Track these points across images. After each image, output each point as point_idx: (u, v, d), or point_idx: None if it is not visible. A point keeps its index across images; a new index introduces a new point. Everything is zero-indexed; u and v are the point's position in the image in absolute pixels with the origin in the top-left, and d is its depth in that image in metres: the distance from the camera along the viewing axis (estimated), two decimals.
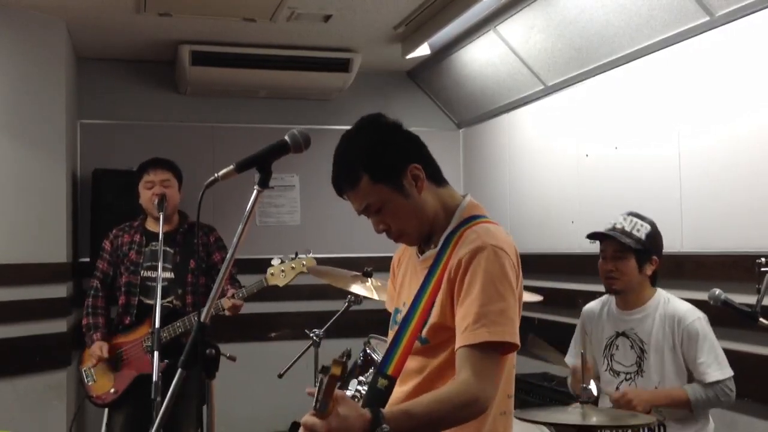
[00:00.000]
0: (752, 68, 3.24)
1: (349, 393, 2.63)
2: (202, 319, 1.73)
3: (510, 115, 5.29)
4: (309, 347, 3.76)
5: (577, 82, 4.48)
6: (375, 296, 3.60)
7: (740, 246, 3.28)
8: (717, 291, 2.48)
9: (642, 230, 2.92)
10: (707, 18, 3.44)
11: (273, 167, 1.75)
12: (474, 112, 5.77)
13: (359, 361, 3.02)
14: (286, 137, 1.76)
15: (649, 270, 2.94)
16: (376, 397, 1.85)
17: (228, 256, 1.77)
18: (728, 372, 2.82)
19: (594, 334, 3.10)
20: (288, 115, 5.78)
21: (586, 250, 3.22)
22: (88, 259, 4.99)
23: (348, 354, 1.53)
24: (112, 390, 3.70)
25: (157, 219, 3.65)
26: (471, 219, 1.90)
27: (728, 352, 2.88)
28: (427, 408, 1.68)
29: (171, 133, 5.50)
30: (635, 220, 2.95)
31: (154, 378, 2.94)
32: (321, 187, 5.61)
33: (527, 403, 4.09)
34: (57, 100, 4.56)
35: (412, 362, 1.88)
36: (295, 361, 3.76)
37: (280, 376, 3.71)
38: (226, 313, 3.60)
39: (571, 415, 2.47)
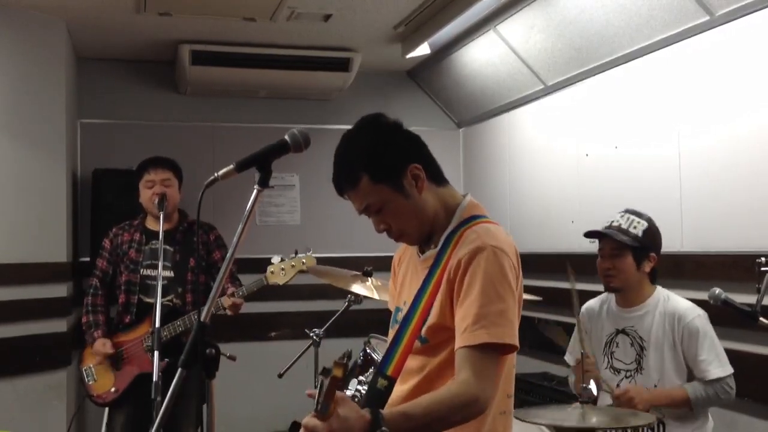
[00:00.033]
0: (752, 68, 3.24)
1: (348, 393, 2.64)
2: (202, 319, 1.73)
3: (510, 114, 5.29)
4: (309, 347, 3.76)
5: (577, 81, 4.48)
6: (375, 296, 3.60)
7: (740, 246, 3.28)
8: (717, 290, 2.48)
9: (639, 227, 2.92)
10: (707, 18, 3.44)
11: (273, 167, 1.75)
12: (474, 111, 5.77)
13: (359, 361, 3.02)
14: (286, 137, 1.76)
15: (647, 267, 2.94)
16: (376, 397, 1.85)
17: (228, 255, 1.77)
18: (729, 369, 2.82)
19: (594, 332, 3.10)
20: (288, 114, 5.78)
21: (586, 250, 3.22)
22: (88, 259, 5.00)
23: (349, 355, 1.52)
24: (113, 389, 3.70)
25: (157, 217, 3.65)
26: (471, 219, 1.90)
27: (728, 352, 2.88)
28: (427, 409, 1.69)
29: (171, 133, 5.50)
30: (632, 217, 2.95)
31: (155, 378, 2.94)
32: (321, 186, 5.62)
33: (527, 403, 4.09)
34: (57, 100, 4.56)
35: (411, 361, 1.89)
36: (295, 361, 3.75)
37: (280, 375, 3.71)
38: (227, 312, 3.60)
39: (571, 415, 2.47)
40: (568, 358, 3.21)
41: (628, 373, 2.95)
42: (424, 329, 1.86)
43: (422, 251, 1.97)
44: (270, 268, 3.67)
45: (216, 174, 1.72)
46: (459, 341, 1.76)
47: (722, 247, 3.40)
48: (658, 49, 3.79)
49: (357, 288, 3.62)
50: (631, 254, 2.91)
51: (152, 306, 3.39)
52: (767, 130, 3.17)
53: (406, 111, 5.70)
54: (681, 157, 3.65)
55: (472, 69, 5.25)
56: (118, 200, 4.80)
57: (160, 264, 3.34)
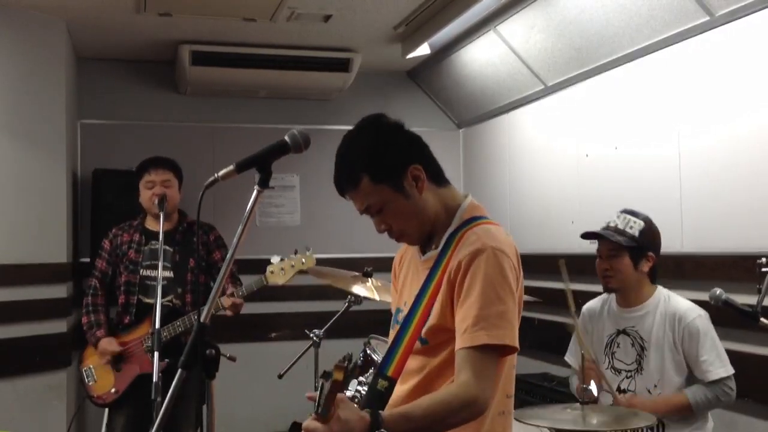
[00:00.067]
0: (752, 68, 3.24)
1: (348, 393, 2.63)
2: (202, 319, 1.73)
3: (510, 115, 5.29)
4: (309, 347, 3.76)
5: (577, 82, 4.48)
6: (375, 296, 3.60)
7: (740, 246, 3.28)
8: (718, 291, 2.47)
9: (635, 227, 2.92)
10: (707, 18, 3.44)
11: (273, 167, 1.75)
12: (474, 112, 5.77)
13: (359, 362, 3.02)
14: (286, 137, 1.76)
15: (645, 267, 2.93)
16: (376, 398, 1.85)
17: (228, 255, 1.77)
18: (730, 370, 2.82)
19: (595, 332, 3.10)
20: (288, 115, 5.78)
21: (586, 250, 3.22)
22: (88, 259, 4.99)
23: (349, 358, 1.52)
24: (113, 390, 3.70)
25: (156, 217, 3.65)
26: (472, 220, 1.90)
27: (729, 353, 2.87)
28: (427, 410, 1.69)
29: (171, 133, 5.50)
30: (628, 217, 2.95)
31: (155, 378, 2.94)
32: (321, 187, 5.63)
33: (527, 404, 4.09)
34: (57, 100, 4.56)
35: (411, 362, 1.89)
36: (295, 362, 3.75)
37: (280, 376, 3.71)
38: (227, 312, 3.60)
39: (571, 416, 2.47)
40: (569, 358, 3.21)
41: (629, 374, 2.95)
42: (424, 330, 1.86)
43: (423, 252, 1.97)
44: (269, 268, 3.67)
45: (216, 174, 1.72)
46: (459, 342, 1.76)
47: (722, 248, 3.39)
48: (658, 50, 3.79)
49: (357, 289, 3.62)
50: (628, 254, 2.90)
51: (152, 306, 3.39)
52: (767, 130, 3.17)
53: (406, 111, 5.67)
54: (681, 157, 3.65)
55: (472, 69, 5.25)
56: (118, 200, 4.80)
57: (160, 264, 3.34)
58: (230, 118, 5.70)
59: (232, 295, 3.58)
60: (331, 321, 3.73)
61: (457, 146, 6.13)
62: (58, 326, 4.45)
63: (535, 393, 4.28)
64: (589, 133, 4.40)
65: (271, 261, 3.68)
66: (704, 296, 2.57)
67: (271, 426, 5.33)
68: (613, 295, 3.06)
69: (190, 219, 3.92)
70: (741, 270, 3.15)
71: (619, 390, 2.95)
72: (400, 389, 1.89)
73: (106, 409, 3.84)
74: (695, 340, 2.82)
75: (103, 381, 3.73)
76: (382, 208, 1.88)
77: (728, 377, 2.81)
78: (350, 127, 1.94)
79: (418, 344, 1.87)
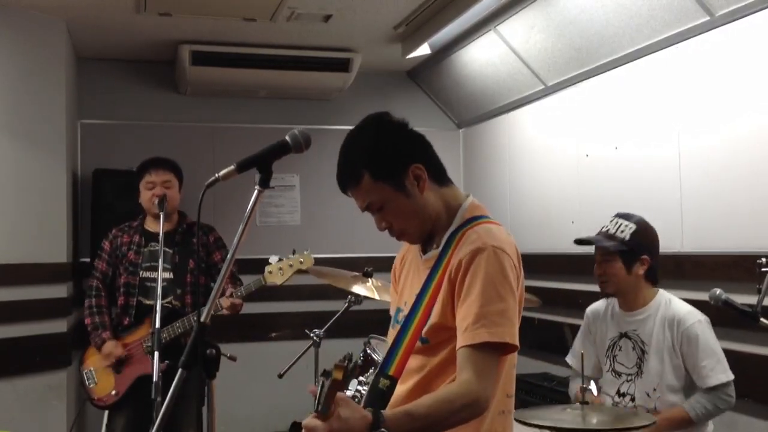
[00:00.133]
0: (752, 68, 3.24)
1: (349, 393, 2.64)
2: (202, 320, 1.73)
3: (510, 115, 5.29)
4: (309, 347, 3.76)
5: (577, 82, 4.48)
6: (375, 296, 3.61)
7: (740, 246, 3.28)
8: (718, 291, 2.47)
9: (626, 231, 2.90)
10: (707, 18, 3.44)
11: (273, 167, 1.74)
12: (474, 112, 5.77)
13: (359, 361, 3.03)
14: (287, 137, 1.76)
15: (639, 270, 2.91)
16: (378, 397, 1.85)
17: (228, 256, 1.77)
18: (729, 375, 2.79)
19: (598, 335, 3.09)
20: (288, 115, 5.78)
21: (586, 250, 3.22)
22: (88, 259, 4.99)
23: (350, 358, 1.53)
24: (113, 392, 3.70)
25: (156, 217, 3.65)
26: (473, 219, 1.90)
27: (729, 353, 2.87)
28: (429, 409, 1.69)
29: (171, 133, 5.50)
30: (620, 221, 2.94)
31: (155, 378, 2.94)
32: (321, 187, 5.64)
33: (527, 403, 4.09)
34: (57, 100, 4.56)
35: (412, 361, 1.89)
36: (295, 362, 3.76)
37: (281, 376, 3.72)
38: (225, 312, 3.60)
39: (571, 416, 2.47)
40: (570, 359, 3.20)
41: (629, 377, 2.94)
42: (425, 329, 1.86)
43: (424, 251, 1.97)
44: (268, 269, 3.66)
45: (217, 175, 1.72)
46: (460, 340, 1.77)
47: (722, 248, 3.39)
48: (659, 50, 3.79)
49: (357, 288, 3.62)
50: (620, 259, 2.89)
51: (151, 308, 3.39)
52: (767, 130, 3.17)
53: (406, 111, 5.58)
54: (681, 157, 3.65)
55: (472, 69, 5.25)
56: (118, 200, 4.80)
57: (160, 266, 3.34)
58: (230, 118, 5.70)
59: (231, 295, 3.58)
60: (331, 321, 3.74)
61: (457, 146, 6.13)
62: (58, 326, 4.45)
63: (535, 393, 4.29)
64: (589, 133, 4.40)
65: (270, 261, 3.68)
66: (704, 296, 2.57)
67: (271, 426, 5.33)
68: (615, 299, 3.05)
69: (189, 220, 3.91)
70: (741, 270, 3.15)
71: (618, 393, 2.95)
72: (400, 388, 1.89)
73: (106, 411, 3.84)
74: (694, 345, 2.81)
75: (103, 383, 3.73)
76: (382, 206, 1.88)
77: (728, 383, 2.79)
78: (351, 127, 1.94)
79: (418, 344, 1.87)
